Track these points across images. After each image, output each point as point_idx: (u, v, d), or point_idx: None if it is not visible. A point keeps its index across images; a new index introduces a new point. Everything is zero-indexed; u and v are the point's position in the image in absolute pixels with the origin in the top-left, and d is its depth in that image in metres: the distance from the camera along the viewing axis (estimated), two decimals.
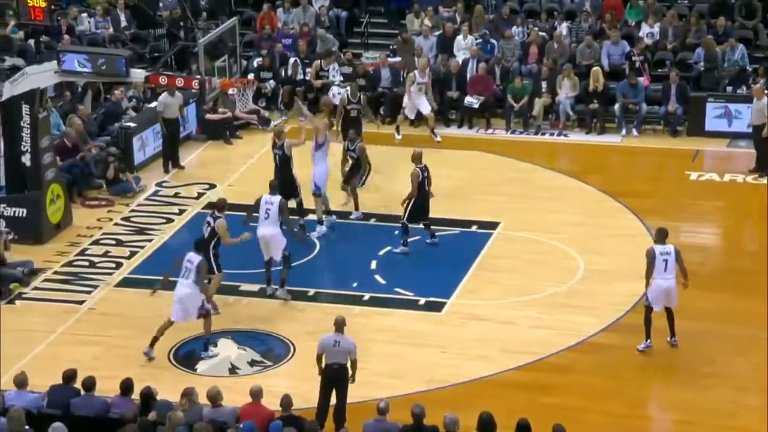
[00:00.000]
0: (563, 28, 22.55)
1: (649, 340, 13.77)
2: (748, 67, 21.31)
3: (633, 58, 21.28)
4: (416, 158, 16.16)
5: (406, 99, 20.73)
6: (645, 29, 22.46)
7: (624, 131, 21.05)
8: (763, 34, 22.19)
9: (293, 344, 14.14)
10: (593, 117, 21.21)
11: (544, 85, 21.42)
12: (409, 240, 16.25)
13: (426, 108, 20.51)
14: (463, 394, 13.05)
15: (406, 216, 16.09)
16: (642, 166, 19.95)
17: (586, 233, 17.01)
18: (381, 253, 16.36)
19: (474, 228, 17.29)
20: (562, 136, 21.07)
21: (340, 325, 12.11)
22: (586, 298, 15.18)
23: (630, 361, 13.78)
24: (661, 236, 13.76)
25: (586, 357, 13.92)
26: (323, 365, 12.11)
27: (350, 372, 12.10)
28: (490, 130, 21.47)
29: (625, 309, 14.83)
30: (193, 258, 13.79)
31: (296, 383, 12.94)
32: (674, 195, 18.36)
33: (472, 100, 21.47)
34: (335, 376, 12.05)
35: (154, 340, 13.84)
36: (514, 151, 20.33)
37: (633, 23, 22.75)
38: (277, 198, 15.04)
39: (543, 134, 21.21)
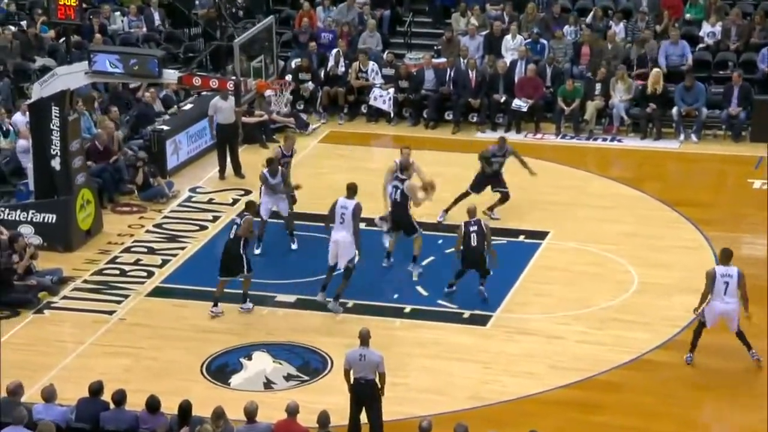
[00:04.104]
0: (619, 28, 22.57)
1: (691, 354, 13.88)
2: None
3: None
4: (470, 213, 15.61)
5: None
6: (706, 28, 22.41)
7: (682, 136, 21.02)
8: None
9: (331, 358, 14.27)
10: (649, 121, 21.21)
11: (597, 87, 21.45)
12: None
13: None
14: (509, 412, 13.12)
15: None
16: (701, 173, 19.91)
17: (641, 244, 17.00)
18: (423, 263, 16.47)
19: (522, 238, 17.36)
20: (615, 142, 21.09)
21: (364, 338, 12.23)
22: (639, 313, 15.18)
23: (686, 380, 13.77)
24: (725, 257, 13.81)
25: (639, 375, 13.92)
26: (351, 381, 12.26)
27: (379, 386, 12.19)
28: (539, 135, 21.52)
29: (681, 325, 14.83)
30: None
31: (334, 399, 12.98)
32: (736, 204, 18.28)
33: (520, 103, 21.52)
34: (363, 392, 12.18)
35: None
36: (565, 158, 20.35)
37: (691, 20, 22.71)
38: (353, 202, 15.27)
39: (595, 139, 21.23)
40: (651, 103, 21.06)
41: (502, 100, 21.75)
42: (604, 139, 21.14)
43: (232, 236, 15.22)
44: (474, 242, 15.26)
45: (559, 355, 14.32)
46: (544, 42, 22.55)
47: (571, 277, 16.12)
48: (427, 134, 21.68)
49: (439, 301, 15.60)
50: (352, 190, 15.38)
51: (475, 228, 15.31)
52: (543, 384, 13.70)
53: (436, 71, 22.23)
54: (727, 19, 22.40)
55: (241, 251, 15.07)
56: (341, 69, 22.64)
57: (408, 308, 15.46)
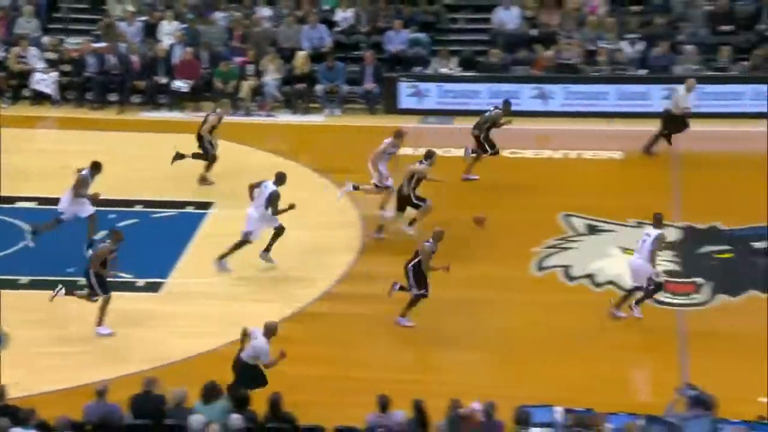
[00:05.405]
0: (264, 12, 22.72)
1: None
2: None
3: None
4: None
5: None
6: (340, 14, 23.04)
7: (327, 111, 21.55)
8: (444, 17, 23.29)
9: (6, 333, 13.48)
10: (298, 98, 21.56)
11: (250, 68, 21.51)
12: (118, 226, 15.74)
13: None
14: (189, 369, 13.01)
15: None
16: (345, 143, 20.44)
17: (301, 210, 17.21)
18: (96, 237, 15.85)
19: (189, 208, 17.15)
20: (270, 117, 21.26)
21: (266, 330, 12.11)
22: (302, 270, 15.45)
23: (346, 326, 14.19)
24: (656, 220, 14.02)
25: (303, 326, 14.20)
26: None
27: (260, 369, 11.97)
28: (200, 114, 21.26)
29: (336, 279, 15.25)
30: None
31: (10, 372, 12.36)
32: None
33: (180, 84, 21.24)
34: (235, 365, 11.99)
35: None
36: (225, 134, 20.17)
37: (328, 9, 23.27)
38: (273, 188, 14.94)
39: (251, 116, 21.31)
40: (299, 81, 21.42)
41: (164, 82, 21.34)
42: (260, 116, 21.27)
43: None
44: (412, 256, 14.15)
45: (231, 313, 14.31)
46: (199, 27, 22.30)
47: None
48: (92, 116, 20.88)
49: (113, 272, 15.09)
50: (280, 178, 15.14)
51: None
52: (216, 341, 13.64)
53: (97, 55, 21.40)
54: (358, 6, 23.11)
55: (89, 272, 13.64)
56: (1, 54, 21.28)
57: (83, 281, 14.83)
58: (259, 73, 21.57)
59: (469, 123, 20.22)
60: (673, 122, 18.68)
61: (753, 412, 11.49)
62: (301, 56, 21.61)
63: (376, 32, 22.66)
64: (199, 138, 17.67)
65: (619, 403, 11.56)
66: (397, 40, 22.30)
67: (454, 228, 16.41)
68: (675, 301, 14.49)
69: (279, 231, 15.28)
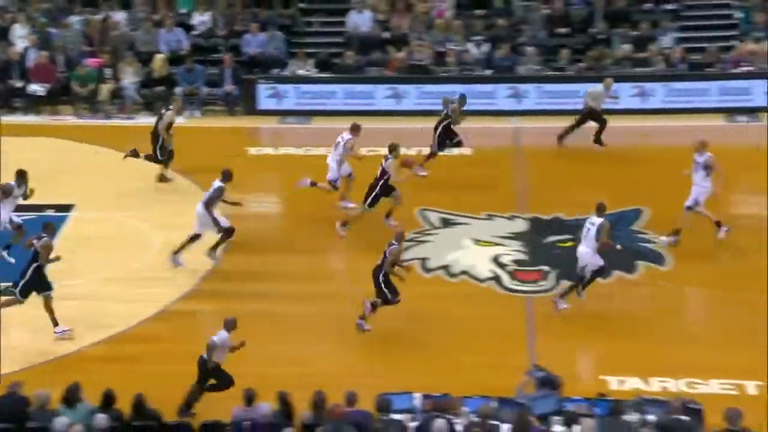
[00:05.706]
0: (119, 16, 22.33)
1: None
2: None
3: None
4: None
5: None
6: (197, 18, 22.83)
7: (187, 113, 21.33)
8: (299, 21, 23.38)
9: None
10: (158, 100, 21.27)
11: (108, 71, 21.11)
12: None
13: None
14: (51, 371, 12.79)
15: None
16: (206, 144, 20.31)
17: (159, 210, 17.08)
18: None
19: (50, 211, 16.76)
20: (130, 120, 20.91)
21: (226, 324, 12.12)
22: (162, 270, 15.30)
23: (210, 323, 14.00)
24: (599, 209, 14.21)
25: (168, 324, 14.11)
26: None
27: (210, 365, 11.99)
28: (57, 117, 20.81)
29: (200, 276, 15.18)
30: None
31: None
32: (237, 169, 18.85)
33: (36, 88, 20.73)
34: (198, 365, 12.06)
35: None
36: (84, 136, 19.89)
37: (184, 13, 23.06)
38: (220, 184, 15.22)
39: (111, 118, 20.90)
40: (158, 84, 21.13)
41: (19, 86, 20.76)
42: (119, 118, 20.89)
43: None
44: (379, 261, 13.79)
45: (94, 315, 14.14)
46: (52, 30, 21.76)
47: (99, 244, 15.92)
48: None
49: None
50: (226, 175, 15.33)
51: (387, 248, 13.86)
52: (81, 343, 13.51)
53: None
54: (215, 10, 22.95)
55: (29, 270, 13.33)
56: None
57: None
58: (117, 77, 21.17)
59: (327, 123, 20.45)
60: (594, 117, 19.29)
61: (594, 389, 12.03)
62: (159, 59, 21.35)
63: (234, 35, 22.57)
64: (156, 136, 17.42)
65: (474, 387, 11.90)
66: (255, 42, 22.25)
67: (318, 224, 16.61)
68: (523, 288, 14.98)
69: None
